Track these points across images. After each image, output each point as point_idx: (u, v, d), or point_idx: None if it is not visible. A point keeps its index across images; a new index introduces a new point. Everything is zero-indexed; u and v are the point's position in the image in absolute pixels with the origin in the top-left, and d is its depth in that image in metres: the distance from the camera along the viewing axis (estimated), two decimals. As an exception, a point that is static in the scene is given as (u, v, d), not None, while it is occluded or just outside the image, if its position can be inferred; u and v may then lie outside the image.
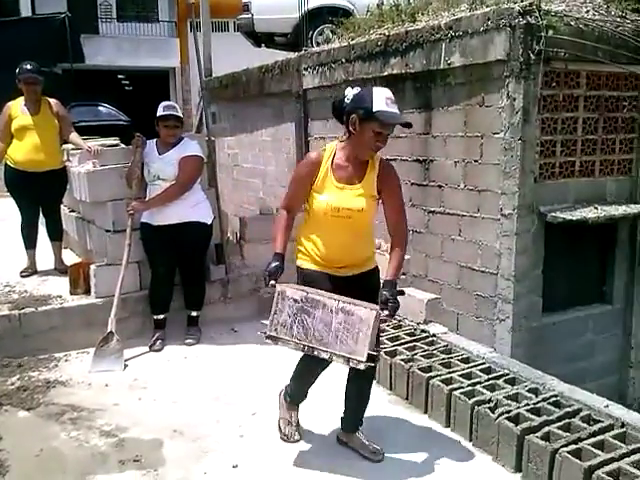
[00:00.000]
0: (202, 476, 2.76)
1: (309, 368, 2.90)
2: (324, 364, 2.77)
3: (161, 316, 4.37)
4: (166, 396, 3.57)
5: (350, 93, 2.64)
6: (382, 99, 2.52)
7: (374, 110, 2.51)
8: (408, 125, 2.64)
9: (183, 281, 4.45)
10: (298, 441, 3.01)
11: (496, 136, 4.85)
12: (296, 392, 3.04)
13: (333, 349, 2.53)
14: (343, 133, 2.73)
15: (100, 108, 13.91)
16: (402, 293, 2.73)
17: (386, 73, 5.84)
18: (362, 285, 2.77)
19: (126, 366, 4.00)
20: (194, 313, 4.49)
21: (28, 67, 4.75)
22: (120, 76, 20.24)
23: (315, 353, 2.57)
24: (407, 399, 3.45)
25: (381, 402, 3.50)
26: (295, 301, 2.58)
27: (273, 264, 2.74)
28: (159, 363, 4.08)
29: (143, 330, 4.39)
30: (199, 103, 8.32)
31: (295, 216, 2.91)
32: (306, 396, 3.06)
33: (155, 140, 4.30)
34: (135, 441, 3.06)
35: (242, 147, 9.21)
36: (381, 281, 2.74)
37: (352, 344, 2.51)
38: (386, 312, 2.57)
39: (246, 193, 9.15)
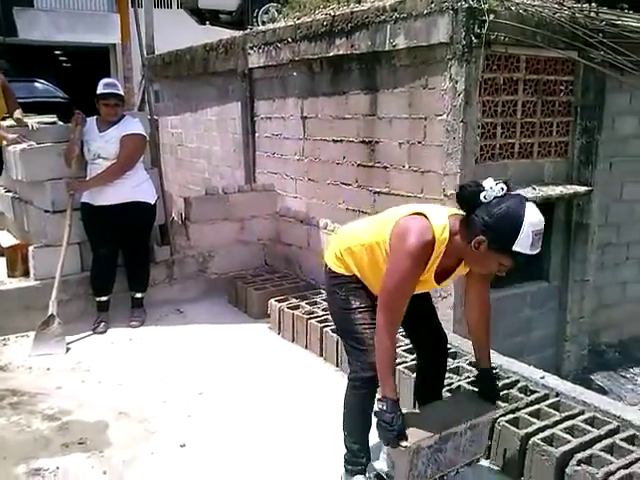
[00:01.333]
0: (149, 456, 2.75)
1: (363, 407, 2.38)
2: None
3: (104, 298, 4.29)
4: (111, 378, 3.52)
5: (491, 194, 1.99)
6: (529, 237, 1.93)
7: (514, 249, 1.95)
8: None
9: (126, 262, 4.37)
10: None
11: (439, 118, 4.94)
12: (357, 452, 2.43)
13: (460, 463, 2.39)
14: (460, 224, 2.10)
15: (36, 84, 13.33)
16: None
17: (332, 54, 5.83)
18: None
19: (68, 349, 3.92)
20: (138, 295, 4.42)
21: None
22: (57, 52, 19.44)
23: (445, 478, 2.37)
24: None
25: (328, 378, 3.55)
26: (429, 447, 2.24)
27: (395, 419, 2.08)
28: (103, 346, 4.02)
29: (86, 313, 4.31)
30: (141, 81, 8.10)
31: None
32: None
33: (95, 117, 4.18)
34: (79, 424, 3.01)
35: (186, 126, 9.05)
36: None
37: (476, 447, 2.43)
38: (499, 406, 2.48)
39: (191, 173, 9.01)
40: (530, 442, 2.47)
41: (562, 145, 5.55)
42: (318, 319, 3.91)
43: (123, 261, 4.38)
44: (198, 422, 3.06)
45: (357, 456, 2.42)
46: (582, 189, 5.44)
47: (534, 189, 5.15)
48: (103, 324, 4.22)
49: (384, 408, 2.11)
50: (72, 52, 19.08)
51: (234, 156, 7.81)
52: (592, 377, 5.90)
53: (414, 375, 2.94)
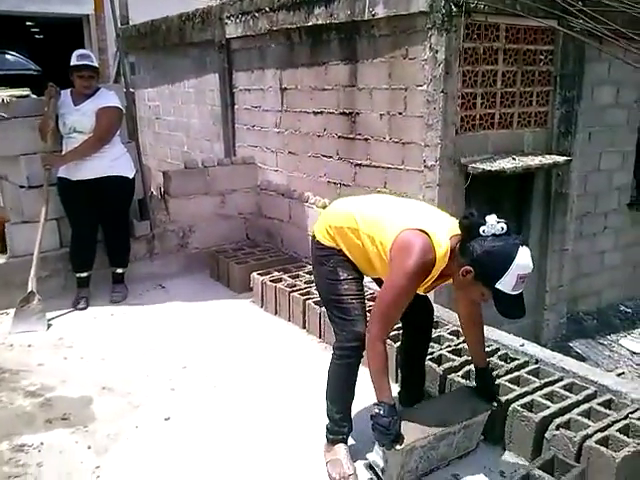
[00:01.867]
0: (134, 430, 2.76)
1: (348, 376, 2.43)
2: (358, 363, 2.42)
3: (84, 274, 4.25)
4: (93, 354, 3.51)
5: (490, 230, 2.05)
6: (514, 279, 2.00)
7: (497, 287, 2.03)
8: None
9: (106, 238, 4.33)
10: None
11: (419, 89, 4.91)
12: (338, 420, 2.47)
13: (452, 457, 2.45)
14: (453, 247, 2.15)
15: (7, 56, 12.98)
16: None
17: (311, 23, 5.74)
18: None
19: (50, 326, 3.89)
20: (119, 270, 4.39)
21: None
22: (29, 23, 18.91)
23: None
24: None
25: (311, 349, 3.58)
26: (423, 447, 2.27)
27: (392, 424, 2.12)
28: (85, 322, 3.99)
29: (66, 289, 4.27)
30: (116, 53, 7.93)
31: None
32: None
33: (70, 90, 4.09)
34: (62, 400, 3.01)
35: (163, 99, 8.90)
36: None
37: (469, 442, 2.48)
38: (495, 404, 2.49)
39: (170, 147, 8.90)
40: (510, 408, 2.52)
41: (542, 115, 5.56)
42: (300, 292, 3.92)
43: (103, 237, 4.33)
44: (182, 395, 3.07)
45: (339, 425, 2.46)
46: (561, 159, 5.47)
47: (514, 159, 5.17)
48: (84, 300, 4.19)
49: (381, 412, 2.13)
50: (44, 23, 18.56)
51: (213, 129, 7.72)
52: (571, 344, 6.02)
53: (397, 345, 2.97)
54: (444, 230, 2.18)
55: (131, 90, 4.90)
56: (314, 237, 2.52)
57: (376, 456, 2.30)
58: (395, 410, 2.17)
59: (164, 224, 4.83)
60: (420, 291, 2.28)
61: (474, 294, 2.18)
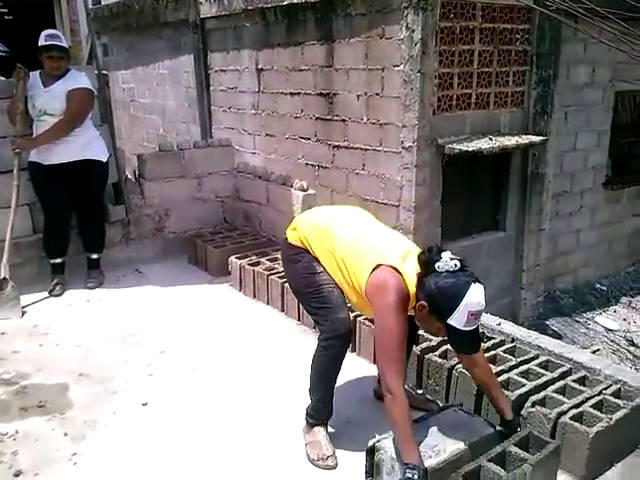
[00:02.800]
0: (111, 416, 2.74)
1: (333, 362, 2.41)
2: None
3: (58, 260, 4.18)
4: (69, 340, 3.46)
5: (444, 267, 2.07)
6: (464, 316, 2.02)
7: (449, 322, 2.04)
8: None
9: (80, 223, 4.26)
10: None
11: (396, 69, 4.88)
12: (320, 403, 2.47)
13: None
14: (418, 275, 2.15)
15: (-26, 39, 12.65)
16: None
17: (286, 2, 5.66)
18: None
19: (24, 313, 3.83)
20: (95, 255, 4.33)
21: None
22: (-4, 4, 18.40)
23: None
24: (315, 328, 3.53)
25: (290, 332, 3.58)
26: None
27: None
28: (60, 308, 3.94)
29: (40, 275, 4.20)
30: (88, 34, 7.75)
31: None
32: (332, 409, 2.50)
33: (39, 72, 3.99)
34: (38, 387, 2.97)
35: (138, 81, 8.74)
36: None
37: None
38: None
39: (145, 130, 8.77)
40: (487, 387, 2.54)
41: (518, 95, 5.57)
42: (279, 275, 3.90)
43: (77, 222, 4.26)
44: (160, 381, 3.05)
45: (319, 411, 2.47)
46: (538, 139, 5.50)
47: (491, 139, 5.19)
48: (59, 286, 4.13)
49: (415, 478, 1.93)
50: (13, 3, 18.07)
51: (189, 111, 7.62)
52: (547, 323, 6.10)
53: None
54: (412, 263, 2.19)
55: (104, 72, 4.80)
56: (286, 239, 2.51)
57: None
58: (427, 475, 1.99)
59: (140, 208, 4.76)
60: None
61: (431, 328, 2.21)
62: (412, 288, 2.15)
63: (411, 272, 2.17)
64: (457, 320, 2.03)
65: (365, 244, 2.29)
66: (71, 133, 3.94)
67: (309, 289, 2.40)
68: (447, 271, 2.07)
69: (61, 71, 3.94)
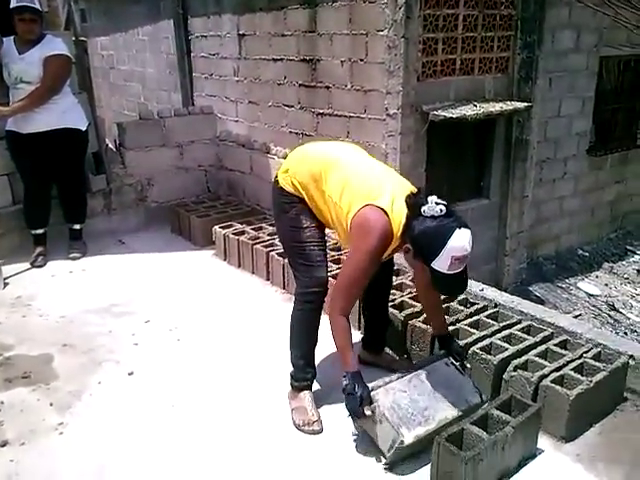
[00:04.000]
0: (97, 386, 2.74)
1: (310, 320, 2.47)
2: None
3: (40, 231, 4.14)
4: (53, 311, 3.44)
5: (429, 212, 2.06)
6: (447, 260, 2.01)
7: (432, 265, 2.04)
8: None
9: (61, 193, 4.20)
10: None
11: (380, 34, 4.81)
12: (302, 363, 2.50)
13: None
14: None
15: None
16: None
17: (268, -35, 5.54)
18: None
19: (6, 284, 3.79)
20: (77, 226, 4.29)
21: None
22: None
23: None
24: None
25: (275, 301, 3.59)
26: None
27: (357, 387, 2.16)
28: (43, 279, 3.91)
29: (22, 247, 4.15)
30: (65, -2, 7.53)
31: None
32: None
33: (13, 38, 3.88)
34: (22, 358, 2.95)
35: (117, 48, 8.56)
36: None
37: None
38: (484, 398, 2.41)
39: (125, 98, 8.62)
40: (470, 351, 2.57)
41: (503, 61, 5.52)
42: (264, 244, 3.90)
43: (58, 192, 4.20)
44: (146, 350, 3.05)
45: (303, 371, 2.48)
46: (522, 105, 5.47)
47: (475, 106, 5.15)
48: (41, 257, 4.09)
49: (346, 381, 2.18)
50: (-14, -33, 17.46)
51: (170, 78, 7.48)
52: (530, 288, 6.18)
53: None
54: (400, 201, 2.19)
55: (82, 38, 4.67)
56: (277, 183, 2.48)
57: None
58: (359, 376, 2.20)
59: (121, 178, 4.70)
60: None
61: (417, 268, 2.24)
62: (398, 229, 2.16)
63: (399, 213, 2.16)
64: (440, 264, 2.03)
65: (357, 182, 2.27)
66: (49, 101, 3.86)
67: (293, 243, 2.43)
68: (432, 216, 2.06)
69: (35, 35, 3.82)
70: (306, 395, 2.48)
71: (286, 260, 3.61)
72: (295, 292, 2.48)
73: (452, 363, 2.45)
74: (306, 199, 2.41)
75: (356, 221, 2.19)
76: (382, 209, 2.16)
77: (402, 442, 2.12)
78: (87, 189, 4.42)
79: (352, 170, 2.33)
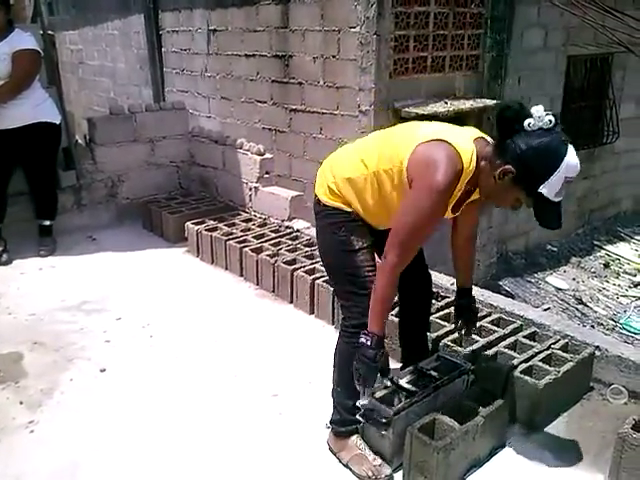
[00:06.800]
0: (68, 383, 2.71)
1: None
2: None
3: (-3, 226, 4.05)
4: (22, 309, 3.39)
5: (537, 124, 1.75)
6: (560, 181, 1.73)
7: (539, 191, 1.75)
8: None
9: (32, 189, 4.14)
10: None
11: (352, 30, 4.83)
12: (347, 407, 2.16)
13: None
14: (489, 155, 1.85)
15: None
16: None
17: (239, -40, 5.52)
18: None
19: (-27, 283, 3.73)
20: (46, 222, 4.22)
21: None
22: None
23: None
24: (273, 292, 3.57)
25: (248, 297, 3.59)
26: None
27: (378, 356, 1.91)
28: (11, 277, 3.84)
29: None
30: (32, -9, 7.39)
31: None
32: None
33: (-20, 32, 3.79)
34: (-9, 357, 2.91)
35: (87, 42, 8.44)
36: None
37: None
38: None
39: (95, 94, 8.50)
40: (441, 344, 2.62)
41: (473, 59, 5.60)
42: (237, 240, 3.89)
43: (29, 187, 4.13)
44: (118, 347, 3.02)
45: (352, 413, 2.13)
46: (492, 103, 5.55)
47: (446, 103, 5.22)
48: (6, 254, 4.01)
49: (369, 343, 1.89)
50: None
51: (141, 74, 7.40)
52: (500, 283, 6.28)
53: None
54: (465, 135, 1.89)
55: (50, 32, 4.59)
56: (317, 200, 2.15)
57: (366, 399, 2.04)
58: (384, 344, 1.94)
59: (91, 174, 4.64)
60: (448, 215, 2.00)
61: (508, 200, 1.88)
62: (466, 158, 1.82)
63: (464, 142, 1.85)
64: (550, 187, 1.73)
65: (402, 133, 1.98)
66: (19, 96, 3.79)
67: (346, 269, 2.08)
68: (541, 129, 1.75)
69: (1, 26, 3.75)
70: (356, 439, 2.17)
71: (260, 256, 3.63)
72: (343, 324, 2.14)
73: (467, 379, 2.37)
74: (354, 203, 2.06)
75: (414, 163, 1.84)
76: (441, 140, 1.84)
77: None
78: (57, 185, 4.35)
79: (394, 131, 2.07)
